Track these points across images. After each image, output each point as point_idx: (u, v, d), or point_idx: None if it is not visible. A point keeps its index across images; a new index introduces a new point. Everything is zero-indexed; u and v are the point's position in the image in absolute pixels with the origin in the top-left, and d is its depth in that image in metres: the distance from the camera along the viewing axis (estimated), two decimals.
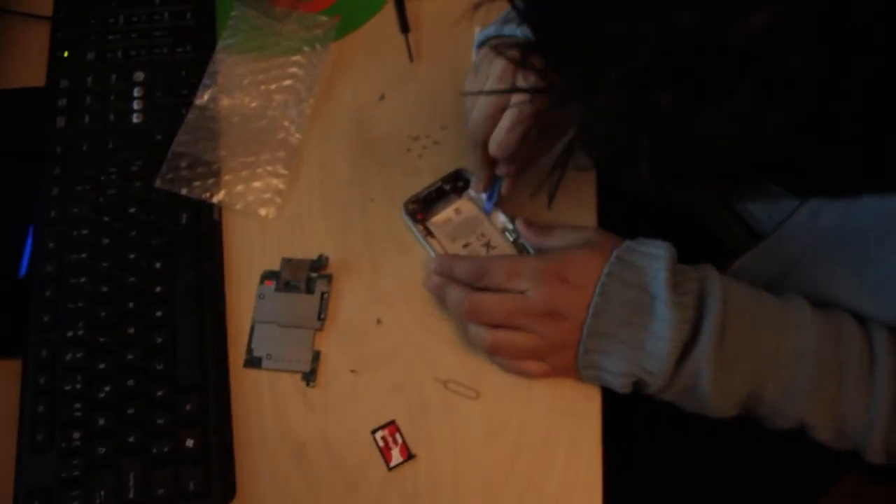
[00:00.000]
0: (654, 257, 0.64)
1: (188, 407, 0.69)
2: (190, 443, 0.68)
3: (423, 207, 0.75)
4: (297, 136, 0.79)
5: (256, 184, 0.78)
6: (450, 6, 0.86)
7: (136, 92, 0.81)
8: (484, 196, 0.74)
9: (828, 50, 0.31)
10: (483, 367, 0.70)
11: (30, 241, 0.78)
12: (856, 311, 0.66)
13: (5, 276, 0.77)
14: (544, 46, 0.40)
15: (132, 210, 0.76)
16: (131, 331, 0.71)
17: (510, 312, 0.66)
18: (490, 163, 0.70)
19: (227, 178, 0.78)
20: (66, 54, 0.83)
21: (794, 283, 0.68)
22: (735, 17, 0.31)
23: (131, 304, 0.72)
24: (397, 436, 0.69)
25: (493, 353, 0.68)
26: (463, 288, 0.68)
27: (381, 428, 0.69)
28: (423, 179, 0.77)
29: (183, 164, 0.77)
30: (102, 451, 0.68)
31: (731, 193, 0.61)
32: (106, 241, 0.75)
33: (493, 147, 0.66)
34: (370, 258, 0.75)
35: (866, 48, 0.31)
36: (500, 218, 0.74)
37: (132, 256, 0.74)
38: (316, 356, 0.71)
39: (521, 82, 0.46)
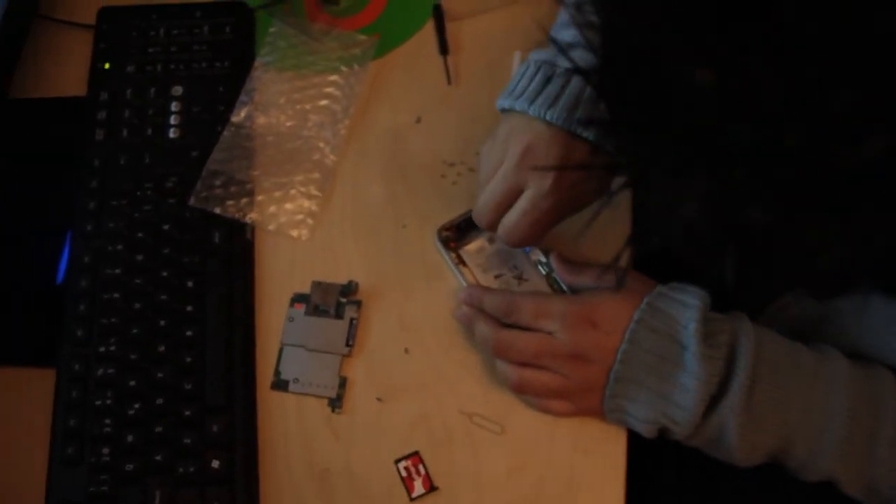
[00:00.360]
0: (686, 306, 0.63)
1: (215, 428, 0.70)
2: (216, 464, 0.69)
3: (456, 235, 0.75)
4: (332, 157, 0.79)
5: (289, 205, 0.78)
6: (491, 28, 0.85)
7: (174, 106, 0.82)
8: None
9: None
10: (509, 402, 0.70)
11: (67, 247, 0.79)
12: None
13: (43, 284, 0.78)
14: (632, 160, 0.39)
15: (166, 227, 0.76)
16: (161, 349, 0.72)
17: (537, 353, 0.66)
18: None
19: (260, 198, 0.78)
20: (106, 66, 0.84)
21: (834, 330, 0.67)
22: (849, 141, 0.30)
23: (162, 322, 0.73)
24: (420, 467, 0.69)
25: (519, 391, 0.68)
26: (491, 323, 0.68)
27: (405, 458, 0.69)
28: (457, 207, 0.76)
29: (217, 183, 0.78)
30: (130, 467, 0.69)
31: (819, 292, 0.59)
32: (140, 257, 0.75)
33: (503, 235, 0.66)
34: (400, 285, 0.75)
35: None
36: (535, 251, 0.74)
37: (164, 274, 0.75)
38: (343, 382, 0.72)
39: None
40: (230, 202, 0.77)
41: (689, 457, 0.67)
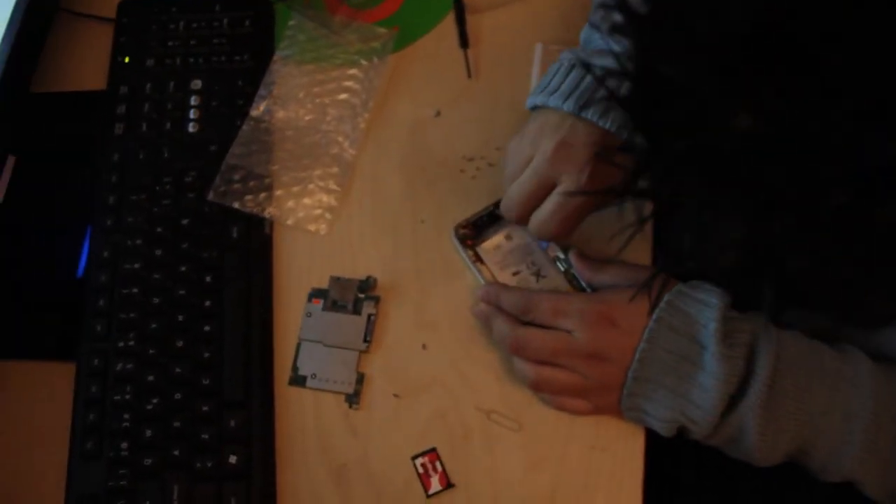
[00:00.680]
0: (706, 305, 0.62)
1: (232, 423, 0.70)
2: (233, 459, 0.69)
3: (473, 232, 0.74)
4: (351, 151, 0.79)
5: (307, 200, 0.78)
6: (511, 20, 0.84)
7: (193, 100, 0.82)
8: None
9: None
10: (527, 399, 0.70)
11: (86, 242, 0.79)
12: None
13: (64, 278, 0.79)
14: (664, 188, 0.38)
15: (185, 222, 0.76)
16: (180, 344, 0.73)
17: (554, 352, 0.65)
18: None
19: (278, 192, 0.78)
20: (126, 60, 0.84)
21: (857, 332, 0.66)
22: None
23: (181, 318, 0.73)
24: (437, 463, 0.69)
25: (536, 389, 0.68)
26: (509, 320, 0.68)
27: (422, 455, 0.69)
28: (476, 202, 0.76)
29: (236, 178, 0.78)
30: (148, 462, 0.69)
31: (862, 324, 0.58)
32: (158, 252, 0.76)
33: (533, 229, 0.66)
34: (418, 281, 0.75)
35: None
36: (553, 247, 0.73)
37: (183, 269, 0.75)
38: (360, 378, 0.72)
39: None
40: (249, 197, 0.77)
41: (708, 456, 0.66)
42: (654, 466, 0.68)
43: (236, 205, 0.77)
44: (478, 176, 0.78)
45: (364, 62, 0.82)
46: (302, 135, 0.80)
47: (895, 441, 0.61)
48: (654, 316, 0.63)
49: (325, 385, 0.72)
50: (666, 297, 0.63)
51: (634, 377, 0.63)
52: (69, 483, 0.70)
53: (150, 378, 0.72)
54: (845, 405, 0.61)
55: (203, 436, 0.70)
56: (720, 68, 0.33)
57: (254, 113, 0.80)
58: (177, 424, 0.70)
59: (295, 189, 0.78)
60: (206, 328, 0.73)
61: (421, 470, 0.69)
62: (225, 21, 0.85)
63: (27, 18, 0.81)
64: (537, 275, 0.73)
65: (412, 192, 0.78)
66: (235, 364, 0.72)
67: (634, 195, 0.41)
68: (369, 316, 0.73)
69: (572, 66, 0.67)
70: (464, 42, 0.83)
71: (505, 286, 0.71)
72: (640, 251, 0.73)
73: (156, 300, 0.74)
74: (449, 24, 0.85)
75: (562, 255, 0.72)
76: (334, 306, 0.74)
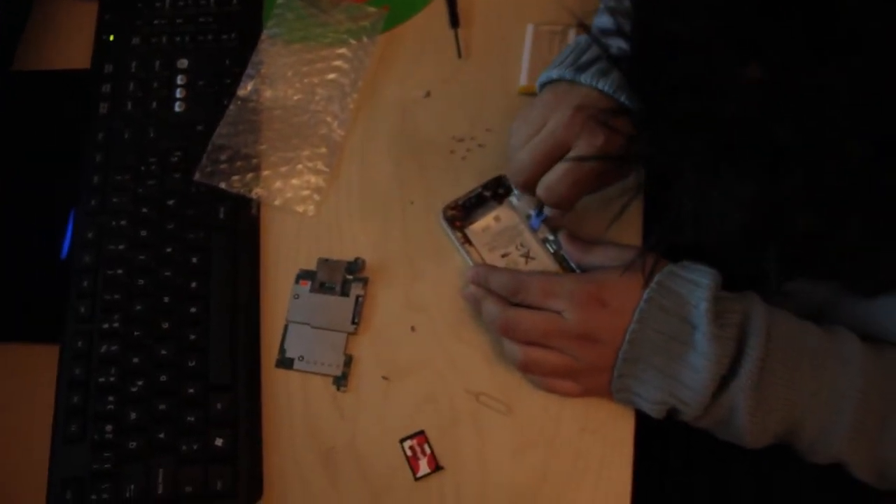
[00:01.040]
0: (697, 285, 0.62)
1: (219, 406, 0.69)
2: (219, 442, 0.68)
3: (461, 214, 0.74)
4: (340, 132, 0.78)
5: (295, 180, 0.77)
6: (504, 1, 0.83)
7: (180, 79, 0.80)
8: (533, 212, 0.72)
9: None
10: (516, 381, 0.69)
11: (71, 223, 0.78)
12: None
13: (47, 260, 0.77)
14: (664, 153, 0.37)
15: (170, 202, 0.76)
16: (166, 326, 0.72)
17: (545, 333, 0.65)
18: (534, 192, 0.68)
19: (266, 173, 0.77)
20: (111, 38, 0.82)
21: (847, 312, 0.66)
22: None
23: (166, 299, 0.72)
24: (426, 446, 0.68)
25: (525, 370, 0.67)
26: (498, 302, 0.67)
27: (410, 437, 0.69)
28: (465, 183, 0.75)
29: (223, 158, 0.77)
30: (133, 445, 0.68)
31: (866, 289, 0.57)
32: (144, 232, 0.75)
33: (542, 192, 0.65)
34: (407, 263, 0.74)
35: None
36: (543, 228, 0.72)
37: (169, 250, 0.74)
38: (348, 360, 0.71)
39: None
40: (236, 177, 0.76)
41: (697, 439, 0.66)
42: (643, 449, 0.67)
43: (223, 185, 0.76)
44: (468, 157, 0.77)
45: (353, 42, 0.81)
46: (290, 114, 0.79)
47: (883, 421, 0.60)
48: (645, 296, 0.62)
49: (312, 367, 0.71)
50: (657, 278, 0.63)
51: (624, 358, 0.63)
52: (52, 466, 0.69)
53: (136, 360, 0.71)
54: (834, 385, 0.61)
55: (189, 418, 0.69)
56: (728, 18, 0.32)
57: (241, 92, 0.79)
58: (162, 407, 0.69)
59: (283, 169, 0.77)
60: (192, 310, 0.72)
61: (409, 453, 0.68)
62: None
63: None
64: (526, 256, 0.72)
65: (401, 172, 0.77)
66: (222, 346, 0.71)
67: (637, 160, 0.40)
68: (357, 298, 0.72)
69: (589, 44, 0.66)
70: (454, 22, 0.82)
71: (494, 268, 0.70)
72: (631, 233, 0.72)
73: (141, 281, 0.73)
74: (439, 3, 0.84)
75: (551, 237, 0.72)
76: (322, 288, 0.73)
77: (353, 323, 0.72)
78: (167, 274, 0.73)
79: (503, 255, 0.72)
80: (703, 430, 0.65)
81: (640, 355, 0.62)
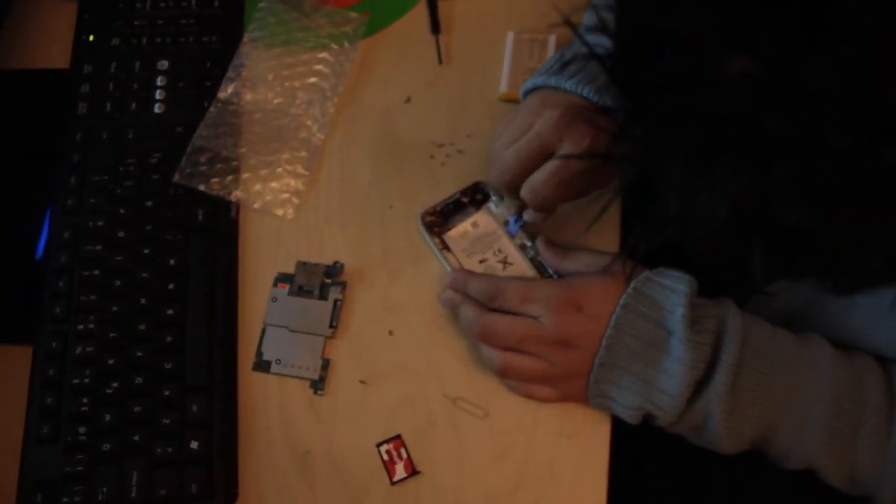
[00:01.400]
0: (673, 291, 0.62)
1: (195, 408, 0.69)
2: (195, 444, 0.68)
3: (440, 220, 0.74)
4: (320, 136, 0.78)
5: (275, 183, 0.77)
6: (484, 7, 0.84)
7: (160, 81, 0.80)
8: (511, 218, 0.72)
9: None
10: (493, 386, 0.69)
11: (47, 223, 0.77)
12: (880, 354, 0.65)
13: (22, 260, 0.77)
14: (647, 150, 0.37)
15: (149, 203, 0.75)
16: (142, 327, 0.71)
17: (521, 338, 0.65)
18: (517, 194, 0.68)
19: (245, 175, 0.77)
20: (91, 38, 0.82)
21: (819, 320, 0.66)
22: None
23: (143, 300, 0.72)
24: (402, 450, 0.68)
25: (502, 375, 0.67)
26: (476, 307, 0.67)
27: (387, 442, 0.68)
28: (444, 189, 0.75)
29: (202, 160, 0.76)
30: (107, 447, 0.68)
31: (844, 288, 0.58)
32: (121, 233, 0.74)
33: (527, 193, 0.65)
34: (385, 267, 0.74)
35: None
36: (521, 234, 0.73)
37: (146, 251, 0.73)
38: (325, 364, 0.71)
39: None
40: (215, 179, 0.76)
41: (672, 444, 0.66)
42: (619, 454, 0.68)
43: (202, 187, 0.76)
44: (447, 162, 0.77)
45: (335, 46, 0.81)
46: (270, 118, 0.79)
47: (854, 426, 0.61)
48: (621, 302, 0.63)
49: (289, 371, 0.71)
50: (633, 284, 0.63)
51: (601, 363, 0.63)
52: (23, 468, 0.68)
53: (111, 362, 0.70)
54: (807, 388, 0.61)
55: (164, 421, 0.68)
56: (721, 11, 0.32)
57: (221, 95, 0.79)
58: (137, 409, 0.69)
59: (262, 172, 0.77)
60: (170, 311, 0.72)
61: (386, 457, 0.68)
62: (193, 1, 0.83)
63: None
64: (504, 262, 0.72)
65: (381, 177, 0.77)
66: (199, 348, 0.71)
67: (623, 159, 0.40)
68: (335, 301, 0.72)
69: (576, 53, 0.67)
70: (435, 28, 0.82)
71: (472, 273, 0.70)
72: (608, 239, 0.73)
73: (117, 282, 0.72)
74: (420, 9, 0.84)
75: (528, 243, 0.72)
76: (300, 291, 0.73)
77: (331, 327, 0.72)
78: (144, 275, 0.73)
79: (481, 261, 0.73)
80: (678, 437, 0.66)
81: (617, 361, 0.63)
